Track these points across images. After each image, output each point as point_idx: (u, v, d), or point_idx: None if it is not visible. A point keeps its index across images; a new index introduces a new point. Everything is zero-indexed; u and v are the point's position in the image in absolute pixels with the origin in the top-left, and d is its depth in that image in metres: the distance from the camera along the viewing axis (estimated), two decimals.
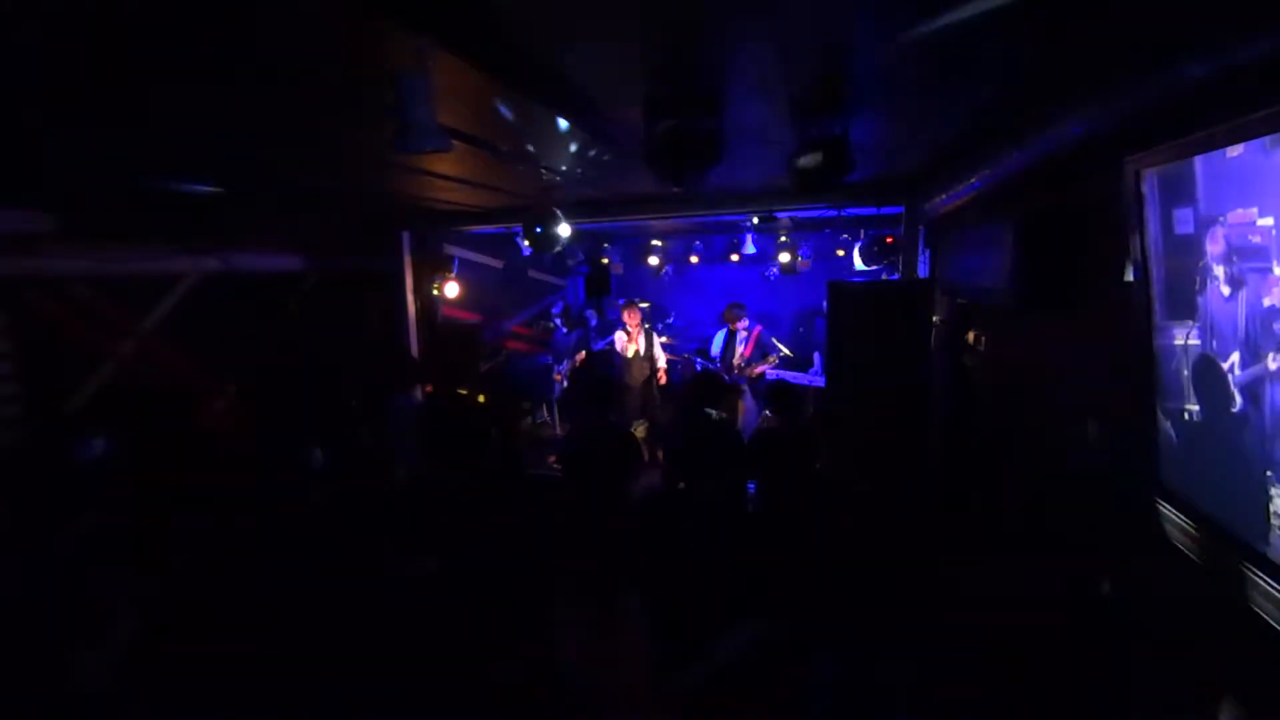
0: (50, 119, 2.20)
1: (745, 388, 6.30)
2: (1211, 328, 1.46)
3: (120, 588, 2.29)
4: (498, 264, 7.64)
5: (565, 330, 7.18)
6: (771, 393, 3.99)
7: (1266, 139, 1.21)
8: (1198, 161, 1.45)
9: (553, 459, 5.75)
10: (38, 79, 1.76)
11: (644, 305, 6.74)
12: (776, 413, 3.94)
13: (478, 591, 2.27)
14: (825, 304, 5.24)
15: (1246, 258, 1.31)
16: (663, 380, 6.40)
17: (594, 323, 7.49)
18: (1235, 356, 1.37)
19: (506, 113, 2.17)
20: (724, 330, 6.60)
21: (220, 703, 2.46)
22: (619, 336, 6.36)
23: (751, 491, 4.45)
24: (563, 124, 2.41)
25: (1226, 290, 1.39)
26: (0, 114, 2.05)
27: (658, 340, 6.38)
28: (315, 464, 3.10)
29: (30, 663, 1.76)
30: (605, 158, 3.28)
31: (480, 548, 2.34)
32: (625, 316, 6.33)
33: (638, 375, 6.28)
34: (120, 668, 2.25)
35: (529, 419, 7.40)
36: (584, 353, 7.02)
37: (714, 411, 3.68)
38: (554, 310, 7.46)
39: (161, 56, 1.66)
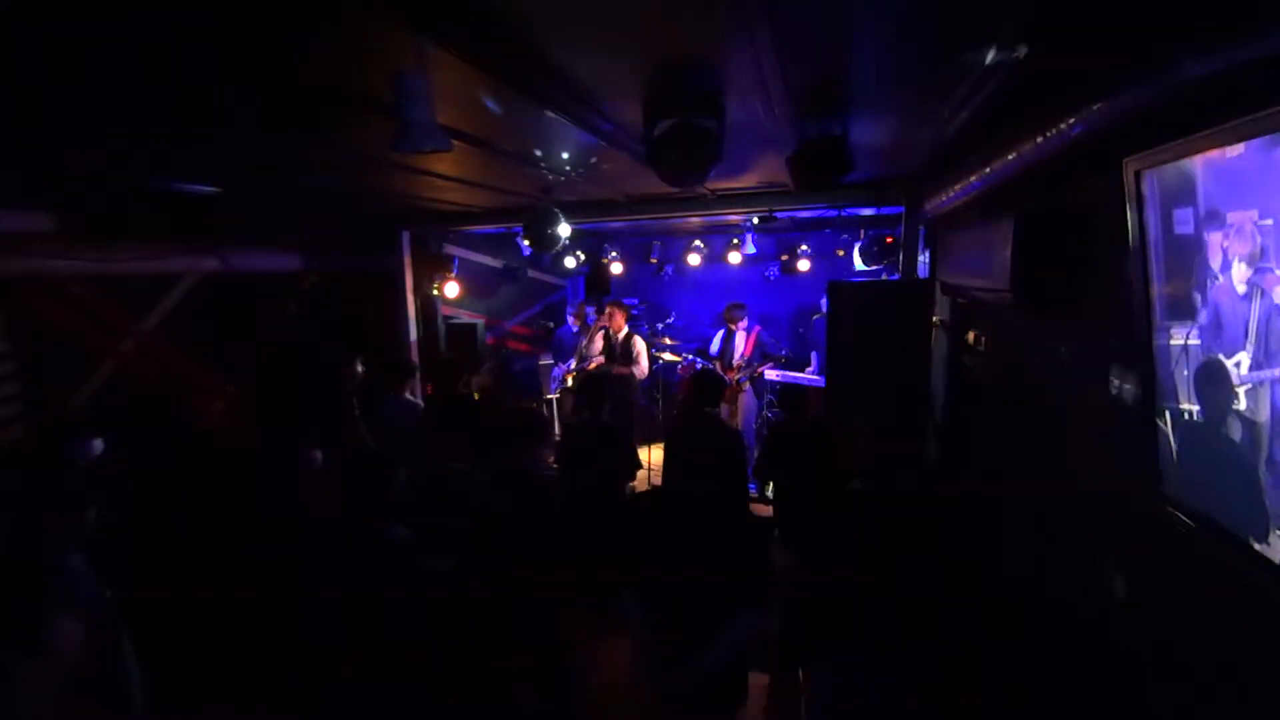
0: (49, 119, 2.20)
1: (746, 386, 6.30)
2: (1213, 328, 1.46)
3: (118, 588, 2.29)
4: (497, 264, 7.65)
5: (576, 329, 7.12)
6: (781, 393, 4.00)
7: (1266, 139, 1.21)
8: (1198, 161, 1.45)
9: (550, 458, 5.74)
10: (38, 78, 1.76)
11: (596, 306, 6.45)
12: (785, 411, 3.95)
13: (485, 589, 2.28)
14: (825, 304, 5.25)
15: (1248, 259, 1.31)
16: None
17: (591, 320, 7.50)
18: (1239, 356, 1.37)
19: (494, 107, 2.17)
20: (723, 330, 6.61)
21: (224, 703, 2.46)
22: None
23: (752, 491, 4.46)
24: (563, 124, 2.41)
25: (1228, 291, 1.39)
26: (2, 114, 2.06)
27: (639, 346, 6.05)
28: (314, 464, 3.10)
29: (27, 663, 1.75)
30: (604, 163, 3.29)
31: (488, 546, 2.34)
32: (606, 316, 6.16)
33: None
34: (118, 667, 2.25)
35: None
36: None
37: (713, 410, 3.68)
38: (568, 310, 7.41)
39: (160, 56, 1.66)
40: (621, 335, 6.08)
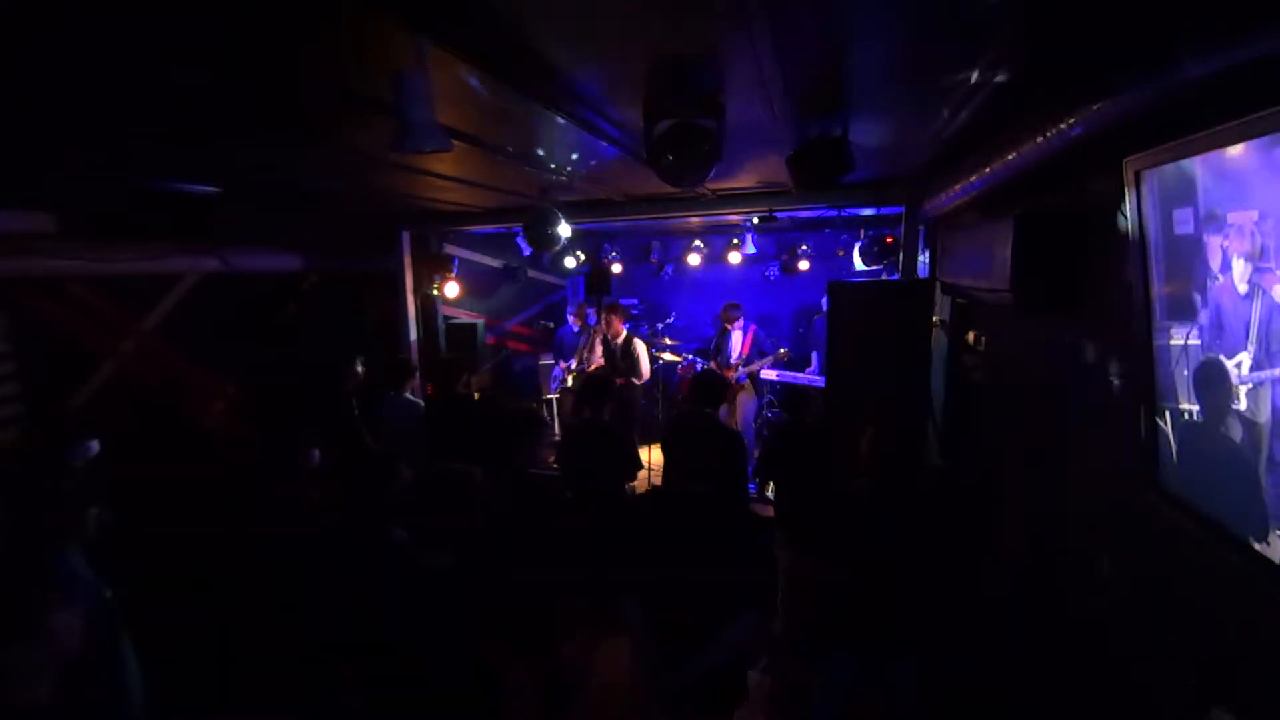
0: (50, 119, 2.20)
1: (745, 385, 6.30)
2: (1213, 328, 1.46)
3: (117, 588, 2.29)
4: (498, 264, 7.64)
5: (576, 329, 7.08)
6: (782, 393, 4.00)
7: (1266, 139, 1.21)
8: (1198, 162, 1.45)
9: (550, 458, 5.73)
10: (39, 78, 1.76)
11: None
12: (786, 411, 3.95)
13: (484, 589, 2.27)
14: (825, 304, 5.24)
15: (1248, 258, 1.31)
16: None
17: (592, 321, 7.50)
18: (1240, 357, 1.37)
19: (494, 107, 2.17)
20: (721, 330, 6.61)
21: (224, 704, 2.46)
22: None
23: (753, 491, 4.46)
24: (562, 124, 2.41)
25: (1229, 291, 1.39)
26: (2, 115, 2.06)
27: (640, 350, 5.89)
28: (312, 464, 3.10)
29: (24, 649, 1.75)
30: (603, 162, 3.28)
31: (488, 546, 2.34)
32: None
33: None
34: (118, 667, 2.25)
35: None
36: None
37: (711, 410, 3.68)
38: (568, 310, 7.40)
39: (161, 56, 1.66)
40: (620, 340, 5.98)
